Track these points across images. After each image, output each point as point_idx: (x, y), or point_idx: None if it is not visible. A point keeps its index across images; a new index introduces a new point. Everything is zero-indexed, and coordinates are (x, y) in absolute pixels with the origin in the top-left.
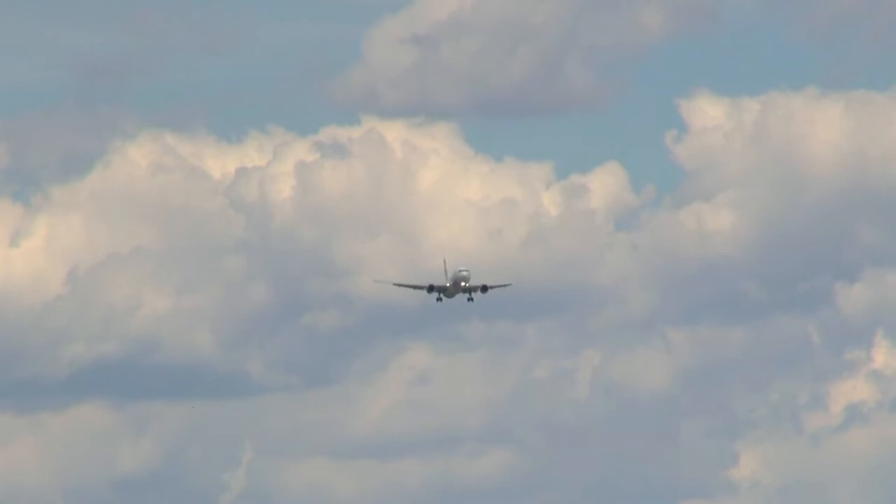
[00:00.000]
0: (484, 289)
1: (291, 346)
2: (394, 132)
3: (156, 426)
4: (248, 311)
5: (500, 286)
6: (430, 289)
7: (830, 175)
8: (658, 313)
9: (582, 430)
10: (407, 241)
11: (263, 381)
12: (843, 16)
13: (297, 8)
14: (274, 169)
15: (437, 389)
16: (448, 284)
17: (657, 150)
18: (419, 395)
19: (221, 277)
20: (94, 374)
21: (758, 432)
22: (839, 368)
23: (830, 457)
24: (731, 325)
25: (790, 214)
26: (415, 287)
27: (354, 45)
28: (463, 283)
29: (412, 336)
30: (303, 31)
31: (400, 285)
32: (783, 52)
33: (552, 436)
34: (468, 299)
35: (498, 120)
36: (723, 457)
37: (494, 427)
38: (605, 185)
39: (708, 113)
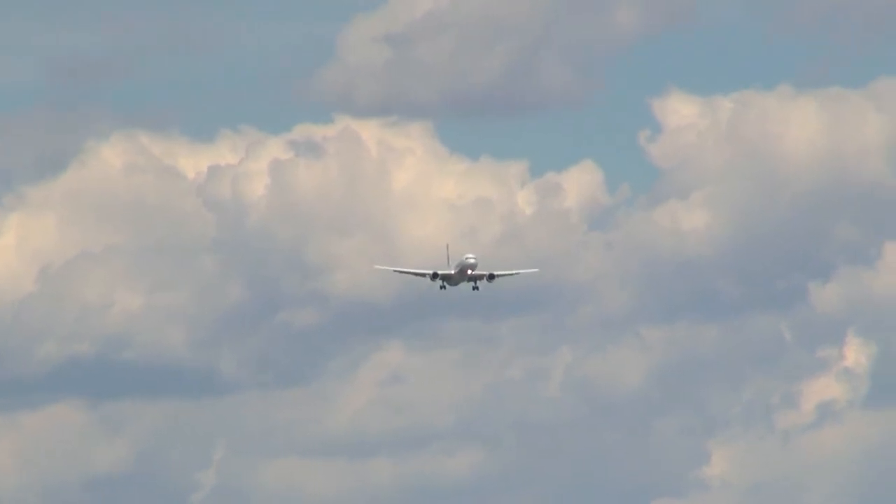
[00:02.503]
0: (491, 277)
1: (265, 344)
2: (368, 131)
3: (129, 425)
4: (221, 309)
5: (508, 274)
6: (434, 276)
7: (805, 173)
8: (633, 312)
9: (556, 428)
10: (382, 239)
11: (237, 380)
12: (816, 14)
13: (271, 6)
14: (248, 168)
15: (412, 388)
16: (453, 272)
17: (632, 149)
18: (393, 394)
19: (196, 276)
20: (67, 373)
21: (730, 431)
22: (812, 367)
23: (802, 455)
24: (705, 324)
25: (765, 213)
26: (417, 274)
27: (328, 43)
28: (469, 271)
29: (386, 335)
30: (276, 29)
31: (402, 272)
32: (758, 50)
33: (526, 434)
34: (473, 287)
35: (473, 119)
36: (695, 455)
37: (469, 426)
38: (580, 183)
39: (682, 112)
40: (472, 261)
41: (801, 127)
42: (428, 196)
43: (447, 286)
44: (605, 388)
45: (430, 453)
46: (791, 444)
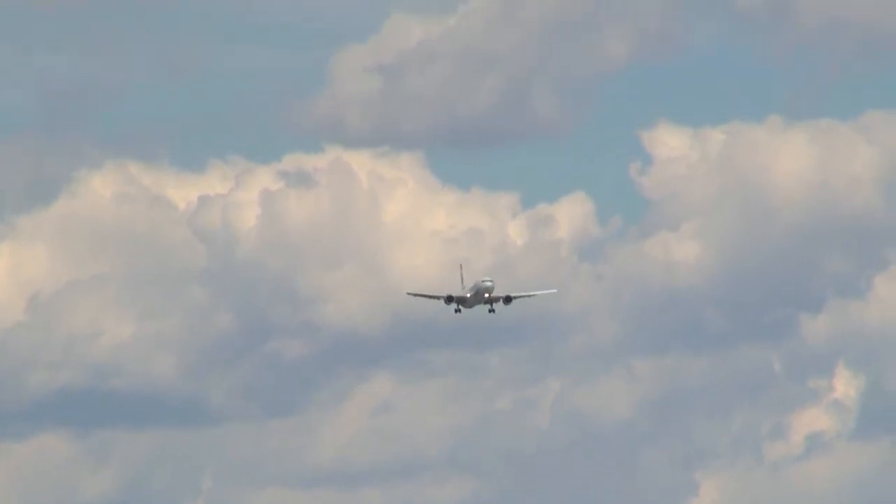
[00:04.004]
0: (507, 300)
1: (255, 374)
2: (358, 161)
3: (118, 454)
4: (211, 339)
5: (524, 296)
6: (449, 299)
7: (795, 205)
8: (623, 343)
9: (545, 459)
10: (372, 270)
11: (226, 410)
12: (806, 46)
13: (262, 36)
14: (238, 197)
15: (401, 418)
16: (468, 295)
17: (623, 181)
18: (383, 424)
19: (186, 306)
20: (56, 403)
21: (719, 462)
22: (801, 398)
23: (791, 486)
24: (695, 355)
25: (755, 244)
26: (431, 297)
27: (320, 73)
28: (486, 294)
29: (376, 365)
30: (267, 58)
31: (415, 295)
32: (747, 82)
33: (515, 465)
34: (489, 310)
35: (464, 150)
36: (684, 486)
37: (458, 456)
38: (571, 215)
39: (672, 143)
40: (488, 284)
41: (791, 159)
42: (419, 227)
43: (462, 309)
44: (595, 418)
45: (419, 483)
46: (780, 475)
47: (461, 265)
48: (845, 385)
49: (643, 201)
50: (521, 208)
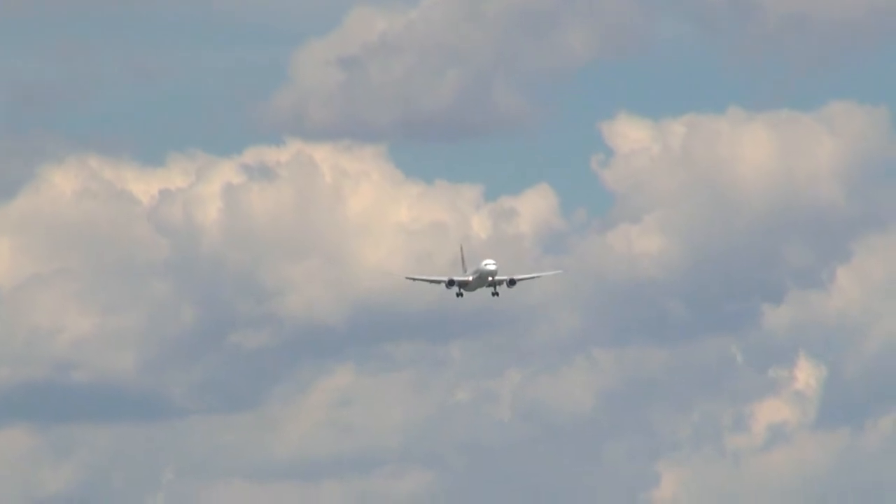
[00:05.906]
0: (511, 282)
1: (217, 368)
2: (321, 154)
3: (79, 448)
4: (174, 333)
5: (528, 278)
6: (450, 283)
7: (757, 197)
8: (586, 335)
9: (506, 451)
10: (335, 263)
11: (188, 403)
12: (768, 36)
13: (223, 29)
14: (200, 191)
15: (362, 410)
16: (470, 278)
17: (586, 173)
18: (343, 417)
19: (148, 300)
20: (17, 397)
21: (680, 453)
22: (762, 389)
23: (753, 477)
24: (658, 347)
25: (717, 236)
26: (431, 281)
27: (281, 66)
28: (490, 278)
29: (337, 358)
30: (229, 52)
31: (414, 279)
32: (708, 73)
33: (476, 457)
34: (493, 293)
35: (427, 143)
36: (645, 477)
37: (418, 448)
38: (534, 207)
39: (633, 136)
40: (491, 267)
41: (753, 150)
42: (382, 220)
43: (463, 293)
44: (556, 410)
45: (381, 476)
46: (742, 465)
47: (461, 246)
48: (807, 376)
49: (606, 194)
50: (484, 201)
